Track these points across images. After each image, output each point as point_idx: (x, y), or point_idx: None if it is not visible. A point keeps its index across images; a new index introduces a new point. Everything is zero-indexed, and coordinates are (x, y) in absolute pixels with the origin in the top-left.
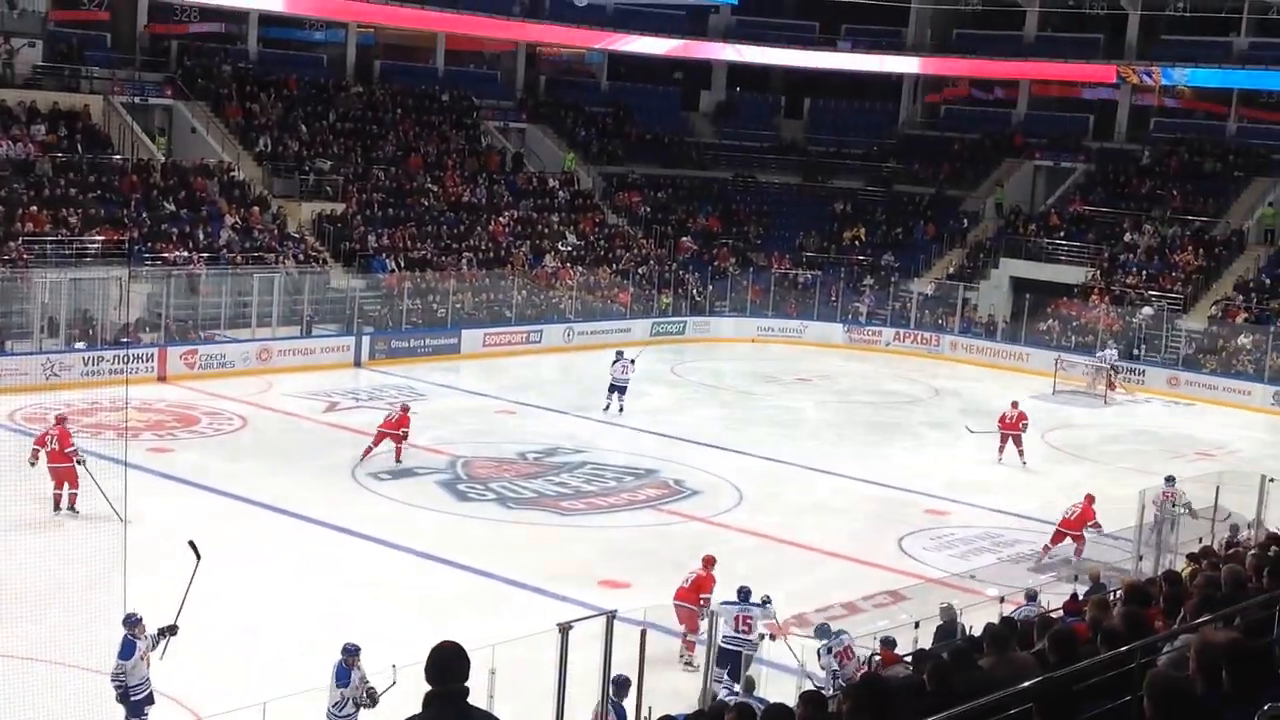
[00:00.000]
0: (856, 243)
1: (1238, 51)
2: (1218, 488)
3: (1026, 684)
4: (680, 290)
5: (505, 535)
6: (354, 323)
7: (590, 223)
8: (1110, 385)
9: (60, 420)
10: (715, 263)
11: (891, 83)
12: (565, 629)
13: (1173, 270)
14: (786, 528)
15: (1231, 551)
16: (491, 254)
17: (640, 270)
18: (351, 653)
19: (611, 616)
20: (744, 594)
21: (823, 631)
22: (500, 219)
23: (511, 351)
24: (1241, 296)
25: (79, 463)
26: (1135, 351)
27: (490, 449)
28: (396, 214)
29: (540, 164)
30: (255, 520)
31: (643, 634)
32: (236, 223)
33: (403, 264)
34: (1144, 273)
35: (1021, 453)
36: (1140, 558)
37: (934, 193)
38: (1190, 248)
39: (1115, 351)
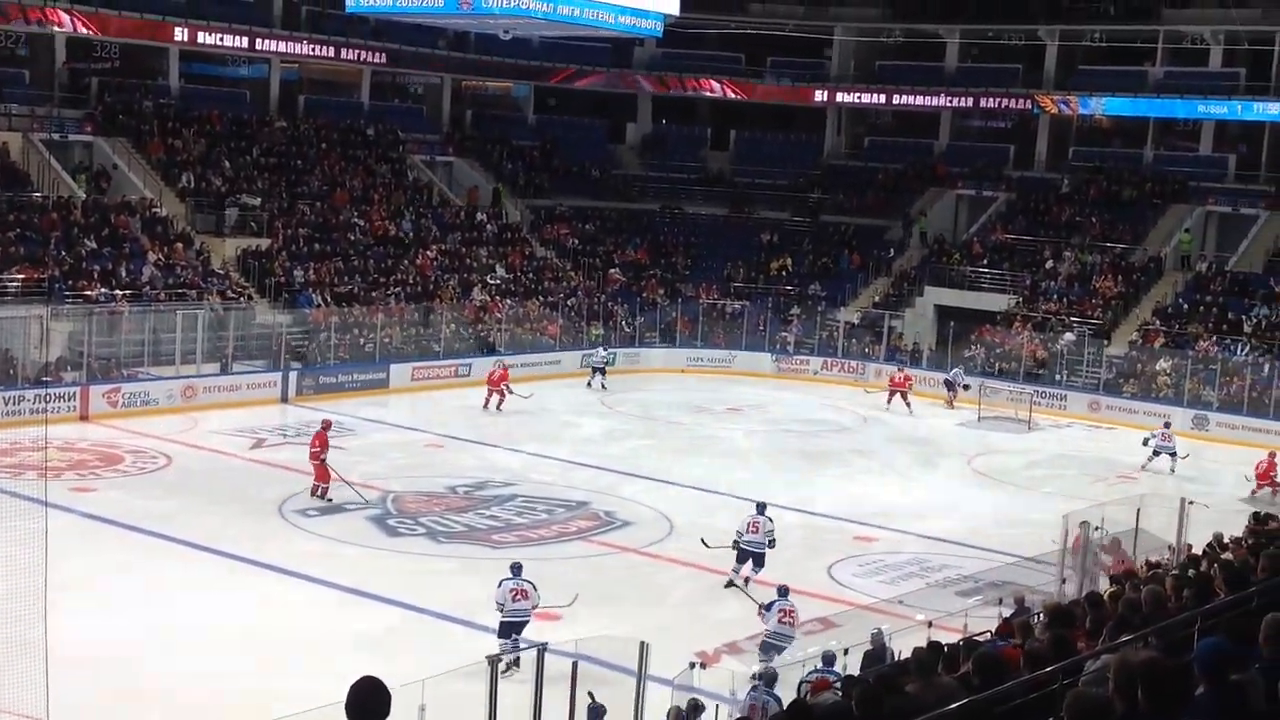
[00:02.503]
0: (783, 273)
1: (1153, 81)
2: (1139, 510)
3: (952, 707)
4: (609, 322)
5: (436, 569)
6: (280, 359)
7: (518, 255)
8: (950, 403)
9: None
10: (644, 294)
11: (816, 114)
12: (495, 662)
13: (1093, 297)
14: (717, 557)
15: (1153, 573)
16: (419, 288)
17: (569, 302)
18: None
19: (542, 649)
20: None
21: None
22: (428, 253)
23: (441, 385)
24: (1160, 321)
25: None
26: (1057, 377)
27: (420, 483)
28: (322, 249)
29: (464, 196)
30: (181, 559)
31: (574, 666)
32: (159, 259)
33: (329, 299)
34: (1065, 299)
35: (909, 405)
36: (1064, 580)
37: (859, 223)
38: (1110, 274)
39: (961, 369)
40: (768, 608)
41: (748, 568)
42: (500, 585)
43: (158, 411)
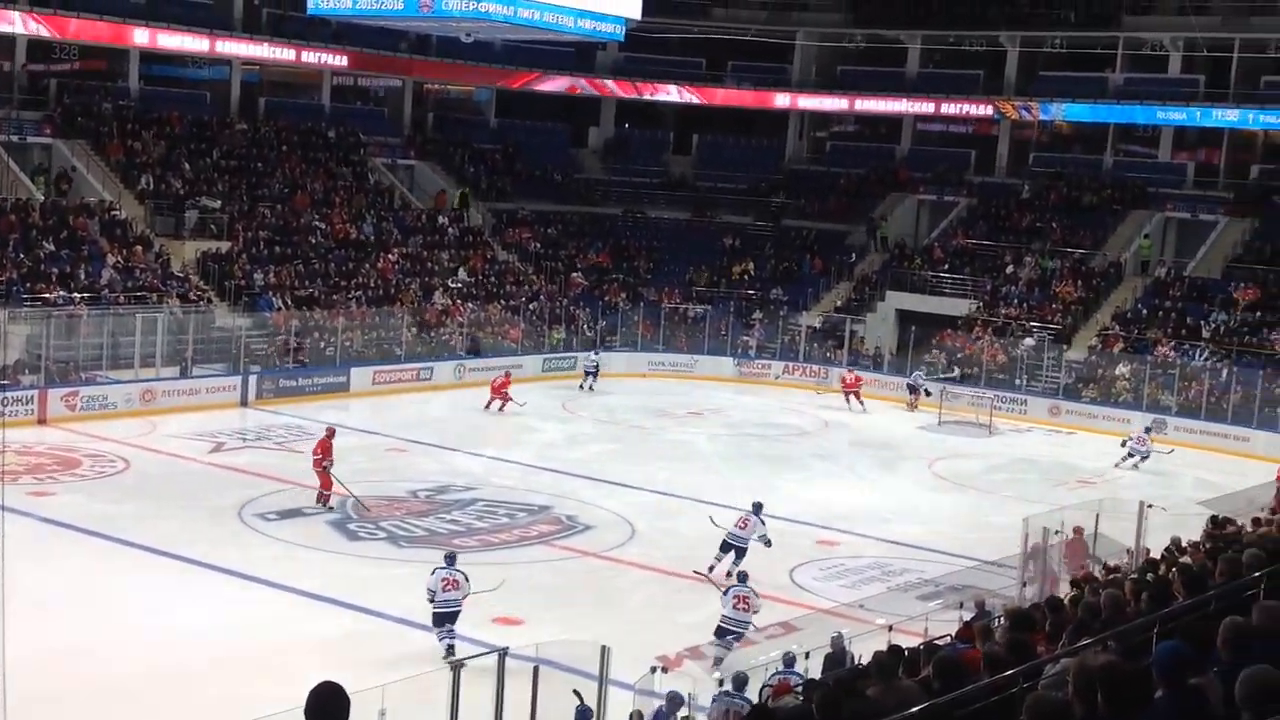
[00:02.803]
0: (745, 277)
1: (1113, 87)
2: (1098, 515)
3: (912, 710)
4: (571, 326)
5: (396, 574)
6: (240, 362)
7: (480, 259)
8: (912, 406)
9: None
10: (606, 298)
11: (778, 119)
12: (457, 667)
13: (1053, 302)
14: (679, 561)
15: (1112, 577)
16: (381, 291)
17: (531, 306)
18: None
19: (503, 654)
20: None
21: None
22: (389, 256)
23: (402, 389)
24: (1119, 326)
25: None
26: (1018, 381)
27: (381, 487)
28: (283, 252)
29: (430, 200)
30: (139, 564)
31: (535, 670)
32: (118, 262)
33: (290, 302)
34: (1025, 304)
35: (862, 403)
36: (1025, 584)
37: (821, 227)
38: (1070, 279)
39: (923, 373)
40: (725, 593)
41: (729, 560)
42: (433, 574)
43: (116, 415)
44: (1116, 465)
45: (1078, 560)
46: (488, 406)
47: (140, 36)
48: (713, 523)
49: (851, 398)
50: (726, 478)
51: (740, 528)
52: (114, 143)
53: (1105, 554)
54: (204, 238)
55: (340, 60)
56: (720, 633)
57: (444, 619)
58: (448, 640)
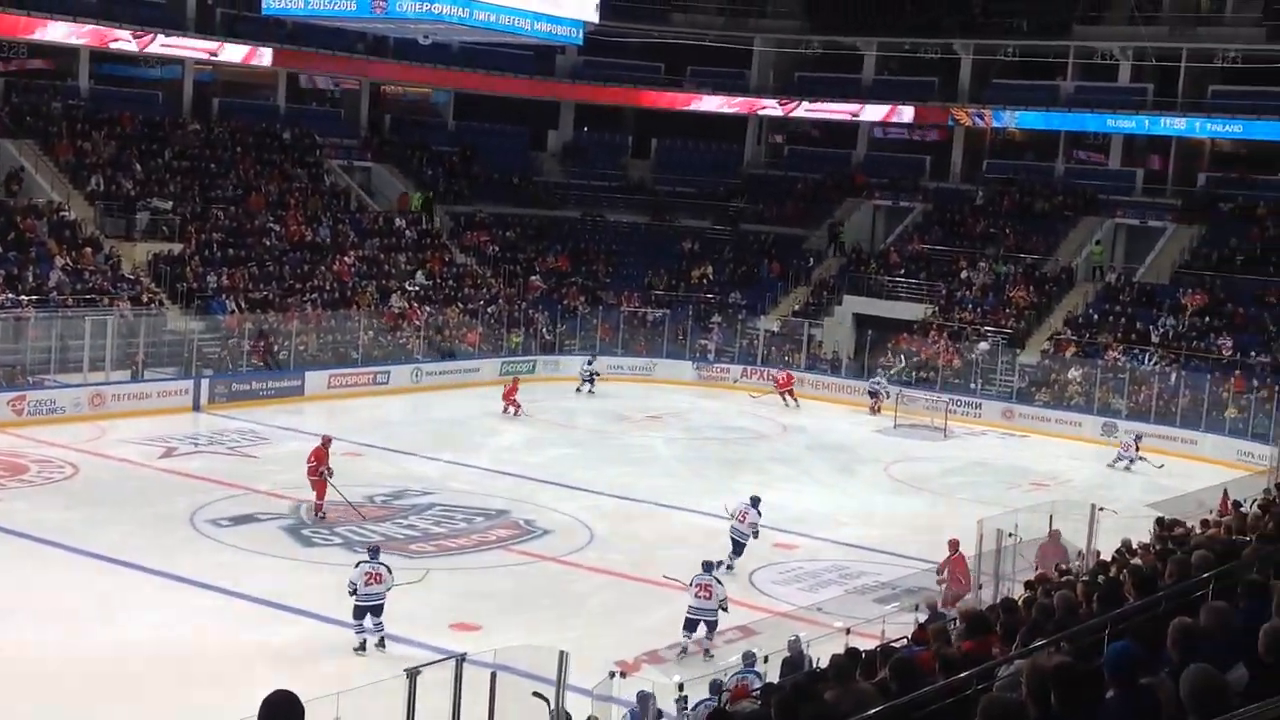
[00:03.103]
0: (704, 281)
1: (1064, 95)
2: (1051, 516)
3: (869, 713)
4: (530, 329)
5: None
6: (192, 365)
7: (438, 262)
8: (874, 409)
9: None
10: (564, 301)
11: (736, 123)
12: (413, 674)
13: (1007, 306)
14: (638, 565)
15: (1064, 579)
16: (337, 294)
17: (489, 310)
18: None
19: (461, 660)
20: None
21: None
22: (345, 259)
23: (358, 393)
24: (1071, 331)
25: None
26: (973, 385)
27: (336, 492)
28: (237, 254)
29: (387, 203)
30: (88, 571)
31: (493, 677)
32: (67, 264)
33: (244, 305)
34: (979, 309)
35: (796, 400)
36: (980, 586)
37: (779, 231)
38: (1023, 284)
39: (883, 377)
40: (690, 584)
41: (728, 554)
42: (357, 567)
43: (65, 420)
44: (1109, 465)
45: (1052, 562)
46: (504, 411)
47: (90, 35)
48: (726, 510)
49: (786, 396)
50: (685, 481)
51: (739, 521)
52: (63, 143)
53: (1058, 556)
54: (155, 239)
55: (295, 61)
56: (688, 624)
57: (364, 612)
58: (363, 635)
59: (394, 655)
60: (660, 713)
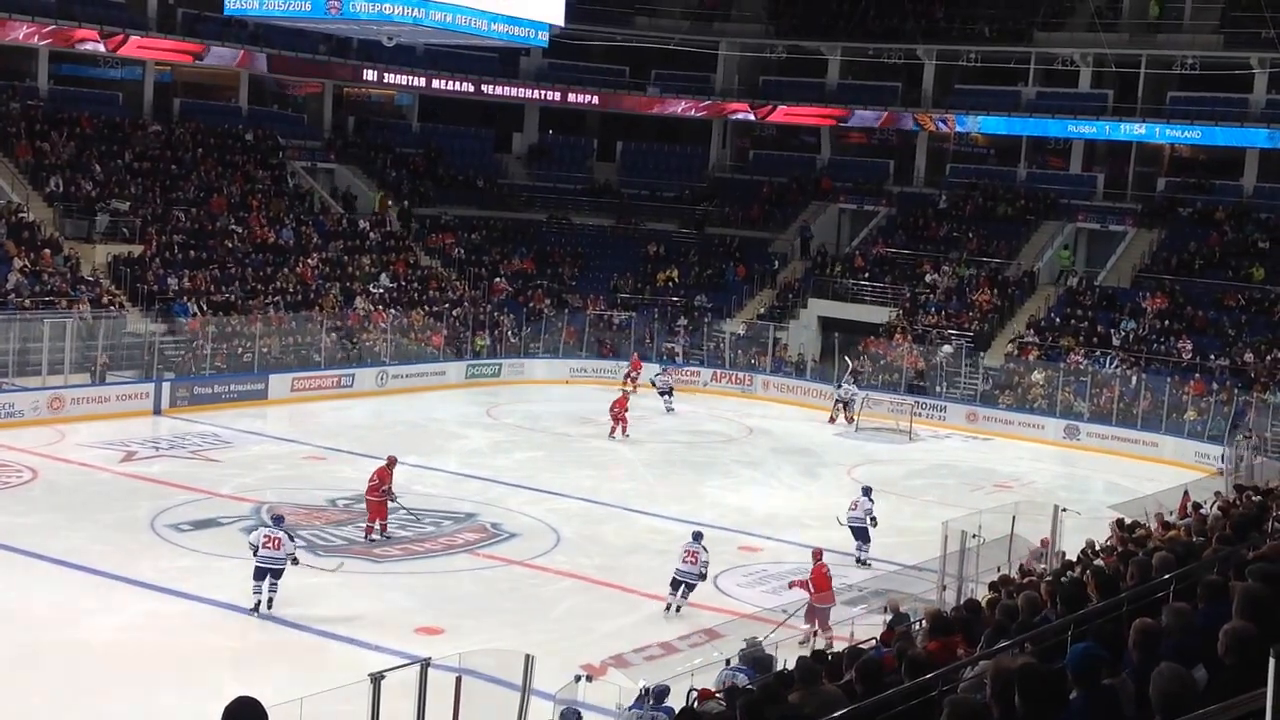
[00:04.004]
0: (670, 284)
1: (1026, 101)
2: (1014, 517)
3: (835, 715)
4: (495, 332)
5: (315, 584)
6: (153, 369)
7: (402, 264)
8: (848, 417)
9: None
10: (530, 304)
11: (702, 127)
12: (377, 679)
13: (970, 310)
14: (604, 569)
15: (1027, 580)
16: (300, 296)
17: (454, 312)
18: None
19: (425, 664)
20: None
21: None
22: (309, 260)
23: (322, 396)
24: (1034, 334)
25: None
26: (937, 388)
27: (299, 496)
28: (198, 256)
29: (370, 206)
30: (48, 576)
31: (458, 681)
32: (25, 266)
33: (206, 307)
34: (943, 312)
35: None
36: (944, 587)
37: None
38: (986, 288)
39: (851, 382)
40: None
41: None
42: (256, 530)
43: (23, 423)
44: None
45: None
46: (611, 434)
47: (48, 35)
48: (839, 522)
49: (629, 380)
50: (651, 484)
51: (853, 509)
52: (22, 143)
53: (1018, 555)
54: (115, 241)
55: (258, 61)
56: (673, 584)
57: (264, 573)
58: (258, 595)
59: (356, 661)
60: None
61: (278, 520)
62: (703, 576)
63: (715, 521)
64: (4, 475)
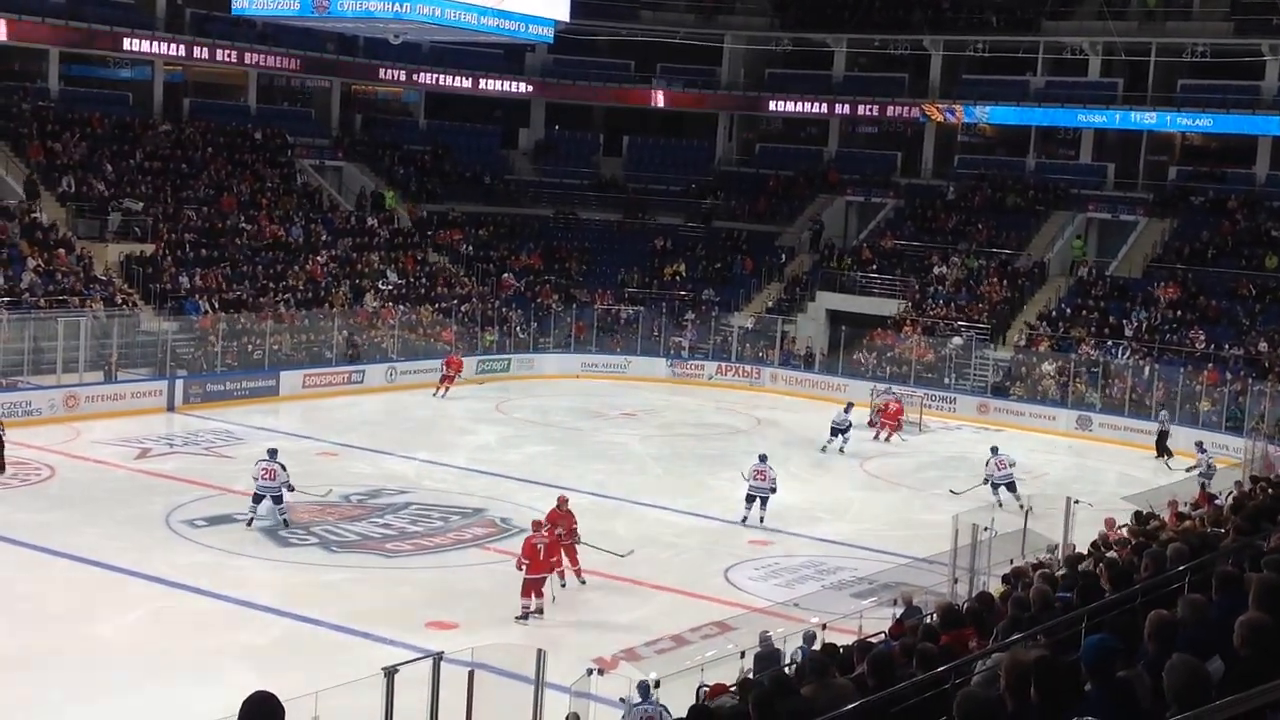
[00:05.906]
0: (677, 278)
1: (1034, 90)
2: (1027, 510)
3: (847, 708)
4: (504, 327)
5: (328, 580)
6: (166, 366)
7: (411, 261)
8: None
9: None
10: (538, 300)
11: (708, 120)
12: (391, 673)
13: (979, 301)
14: (614, 562)
15: (1040, 572)
16: (310, 294)
17: (463, 308)
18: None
19: (438, 658)
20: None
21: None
22: (318, 258)
23: (332, 392)
24: (1045, 325)
25: None
26: (947, 380)
27: (312, 492)
28: (209, 254)
29: (360, 202)
30: (65, 572)
31: (470, 674)
32: (39, 265)
33: (217, 305)
34: (952, 304)
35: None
36: (955, 580)
37: (752, 228)
38: (995, 279)
39: (848, 416)
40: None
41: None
42: (256, 464)
43: (39, 421)
44: (1186, 471)
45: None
46: (876, 436)
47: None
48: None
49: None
50: (660, 478)
51: (998, 469)
52: (34, 144)
53: (1032, 550)
54: (127, 240)
55: (266, 60)
56: (748, 500)
57: (260, 498)
58: (251, 516)
59: (371, 655)
60: None
61: (272, 453)
62: (773, 490)
63: (725, 514)
64: (21, 473)
